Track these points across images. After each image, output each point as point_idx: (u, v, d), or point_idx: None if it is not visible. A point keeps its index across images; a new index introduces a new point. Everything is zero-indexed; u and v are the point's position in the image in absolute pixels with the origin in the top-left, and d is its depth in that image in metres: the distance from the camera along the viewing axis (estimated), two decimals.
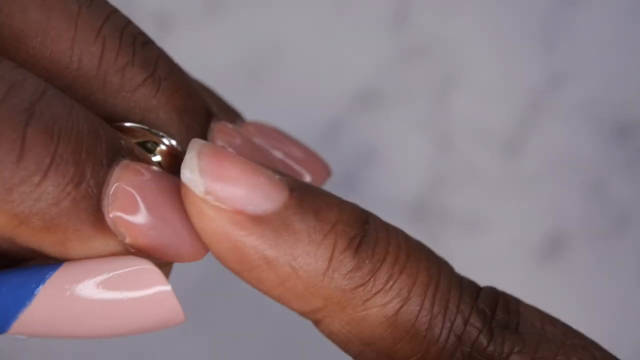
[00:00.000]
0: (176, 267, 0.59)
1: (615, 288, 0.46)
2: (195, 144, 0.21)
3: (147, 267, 0.21)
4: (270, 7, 0.51)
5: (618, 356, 0.23)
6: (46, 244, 0.20)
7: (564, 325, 0.23)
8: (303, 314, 0.22)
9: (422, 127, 0.51)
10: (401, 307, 0.22)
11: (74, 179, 0.20)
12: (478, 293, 0.23)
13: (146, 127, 0.22)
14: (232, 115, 0.26)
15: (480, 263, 0.52)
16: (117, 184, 0.20)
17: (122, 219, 0.21)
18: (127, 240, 0.21)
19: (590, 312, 0.49)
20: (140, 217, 0.21)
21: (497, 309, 0.22)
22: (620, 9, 0.54)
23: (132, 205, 0.21)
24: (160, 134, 0.22)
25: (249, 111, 0.32)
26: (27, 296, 0.20)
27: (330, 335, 0.23)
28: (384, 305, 0.22)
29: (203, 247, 0.22)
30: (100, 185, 0.20)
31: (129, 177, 0.21)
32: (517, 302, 0.23)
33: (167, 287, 0.21)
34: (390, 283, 0.21)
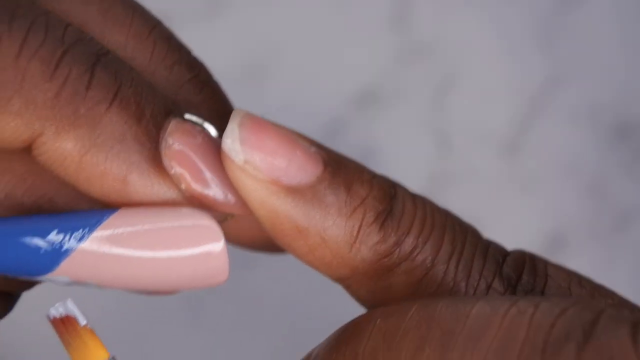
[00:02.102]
0: None
1: (614, 287, 0.46)
2: (237, 115, 0.22)
3: (205, 223, 0.22)
4: (270, 7, 0.51)
5: None
6: (108, 179, 0.21)
7: (593, 285, 0.24)
8: (332, 279, 0.23)
9: (422, 127, 0.51)
10: (424, 275, 0.22)
11: (136, 114, 0.21)
12: (504, 258, 0.23)
13: (200, 121, 0.23)
14: None
15: None
16: (171, 137, 0.21)
17: (179, 165, 0.21)
18: (183, 186, 0.22)
19: None
20: (194, 169, 0.21)
21: (524, 273, 0.23)
22: (619, 10, 0.54)
23: (186, 158, 0.21)
24: (206, 125, 0.23)
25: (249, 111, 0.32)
26: (80, 237, 0.21)
27: (358, 300, 0.24)
28: (408, 273, 0.22)
29: (246, 206, 0.22)
30: (159, 128, 0.22)
31: (182, 133, 0.22)
32: (545, 263, 0.24)
33: (221, 245, 0.22)
34: (415, 253, 0.22)
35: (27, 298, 0.48)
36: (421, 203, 0.23)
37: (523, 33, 0.53)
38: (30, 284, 0.23)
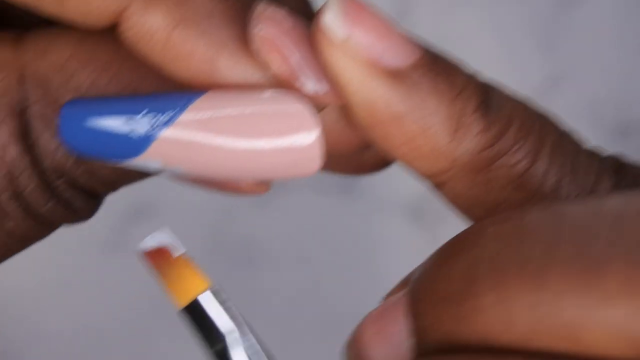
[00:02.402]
0: None
1: None
2: None
3: (299, 107, 0.20)
4: None
5: None
6: (195, 59, 0.20)
7: None
8: (425, 175, 0.22)
9: None
10: (528, 168, 0.21)
11: None
12: (604, 159, 0.22)
13: None
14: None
15: None
16: (260, 18, 0.20)
17: (268, 49, 0.20)
18: (273, 70, 0.20)
19: None
20: (284, 52, 0.20)
21: (624, 173, 0.22)
22: (619, 10, 0.54)
23: (276, 40, 0.20)
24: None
25: None
26: (168, 119, 0.20)
27: (453, 199, 0.22)
28: (511, 166, 0.21)
29: (339, 93, 0.21)
30: (247, 7, 0.21)
31: (269, 18, 0.20)
32: (633, 166, 0.23)
33: (317, 131, 0.20)
34: (518, 145, 0.21)
35: (27, 296, 0.48)
36: (519, 99, 0.22)
37: (523, 33, 0.53)
38: (113, 185, 0.23)
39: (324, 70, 0.21)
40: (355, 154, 0.25)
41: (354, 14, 0.20)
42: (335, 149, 0.23)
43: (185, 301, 0.20)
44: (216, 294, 0.21)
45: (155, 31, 0.20)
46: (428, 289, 0.19)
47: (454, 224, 0.50)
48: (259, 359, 0.21)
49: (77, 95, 0.21)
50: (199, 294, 0.20)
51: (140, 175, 0.22)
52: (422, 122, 0.21)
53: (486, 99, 0.21)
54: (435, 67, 0.21)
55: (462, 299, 0.18)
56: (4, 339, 0.53)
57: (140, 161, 0.20)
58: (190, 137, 0.20)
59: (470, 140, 0.21)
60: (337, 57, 0.20)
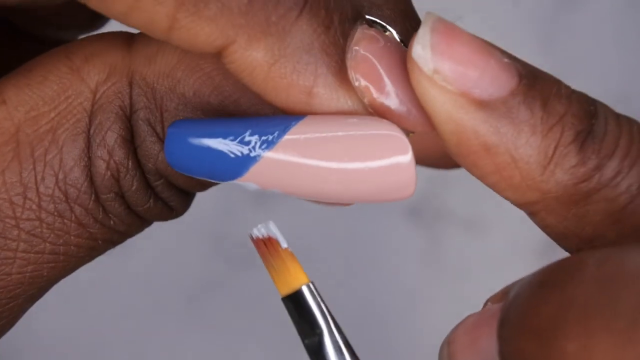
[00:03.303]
0: (174, 267, 0.59)
1: None
2: (430, 18, 0.20)
3: (392, 133, 0.20)
4: None
5: None
6: (294, 90, 0.21)
7: None
8: (517, 204, 0.21)
9: None
10: (628, 204, 0.20)
11: (325, 22, 0.20)
12: None
13: (378, 20, 0.22)
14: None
15: (481, 263, 0.52)
16: (357, 47, 0.21)
17: (363, 77, 0.21)
18: (366, 100, 0.21)
19: None
20: (378, 81, 0.21)
21: None
22: (619, 10, 0.54)
23: (370, 68, 0.21)
24: (389, 28, 0.22)
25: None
26: (270, 142, 0.20)
27: (545, 229, 0.22)
28: (610, 200, 0.20)
29: (429, 122, 0.21)
30: (346, 36, 0.21)
31: (368, 41, 0.21)
32: None
33: (409, 156, 0.20)
34: (619, 178, 0.20)
35: None
36: (627, 123, 0.21)
37: (523, 33, 0.53)
38: (205, 185, 0.23)
39: (416, 97, 0.20)
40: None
41: (445, 45, 0.20)
42: (428, 160, 0.23)
43: (289, 290, 0.22)
44: (314, 289, 0.22)
45: (256, 66, 0.20)
46: (517, 317, 0.19)
47: (454, 224, 0.50)
48: (347, 356, 0.22)
49: (181, 102, 0.22)
50: (301, 286, 0.21)
51: None
52: (514, 153, 0.20)
53: (587, 126, 0.20)
54: (532, 93, 0.20)
55: (547, 338, 0.18)
56: (4, 340, 0.53)
57: (240, 182, 0.21)
58: (291, 159, 0.20)
59: (564, 174, 0.20)
60: (427, 87, 0.20)
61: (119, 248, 0.24)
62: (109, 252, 0.24)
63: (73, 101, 0.22)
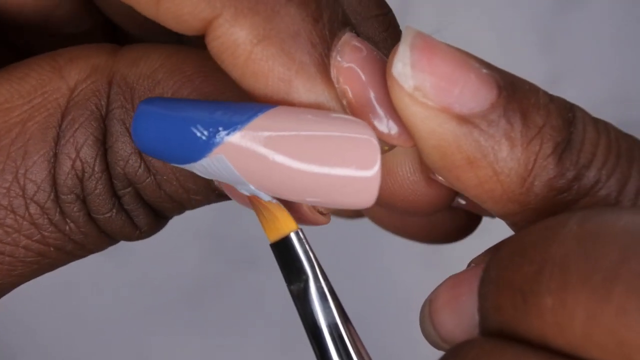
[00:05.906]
0: (174, 267, 0.58)
1: None
2: (409, 34, 0.20)
3: (364, 136, 0.20)
4: None
5: None
6: (274, 77, 0.20)
7: None
8: (498, 215, 0.21)
9: None
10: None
11: (314, 14, 0.20)
12: None
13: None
14: None
15: None
16: (343, 50, 0.20)
17: (344, 81, 0.20)
18: (345, 101, 0.21)
19: None
20: (359, 89, 0.20)
21: None
22: (619, 10, 0.54)
23: (353, 75, 0.20)
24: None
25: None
26: (237, 125, 0.20)
27: None
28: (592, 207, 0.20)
29: (410, 136, 0.21)
30: (333, 35, 0.21)
31: (354, 48, 0.21)
32: None
33: (377, 165, 0.20)
34: (597, 188, 0.20)
35: (24, 297, 0.48)
36: (604, 129, 0.21)
37: (523, 33, 0.53)
38: (180, 208, 0.23)
39: (396, 112, 0.20)
40: (433, 216, 0.24)
41: (425, 61, 0.20)
42: (411, 205, 0.23)
43: (277, 236, 0.21)
44: (303, 237, 0.22)
45: (239, 44, 0.20)
46: (497, 274, 0.19)
47: None
48: (331, 302, 0.22)
49: None
50: (290, 232, 0.21)
51: (206, 198, 0.23)
52: (496, 166, 0.20)
53: (566, 136, 0.21)
54: (512, 105, 0.20)
55: (525, 294, 0.18)
56: (2, 340, 0.53)
57: (201, 165, 0.20)
58: (254, 148, 0.20)
59: (543, 186, 0.20)
60: (408, 103, 0.20)
61: (118, 248, 0.24)
62: (108, 252, 0.24)
63: (49, 96, 0.21)
